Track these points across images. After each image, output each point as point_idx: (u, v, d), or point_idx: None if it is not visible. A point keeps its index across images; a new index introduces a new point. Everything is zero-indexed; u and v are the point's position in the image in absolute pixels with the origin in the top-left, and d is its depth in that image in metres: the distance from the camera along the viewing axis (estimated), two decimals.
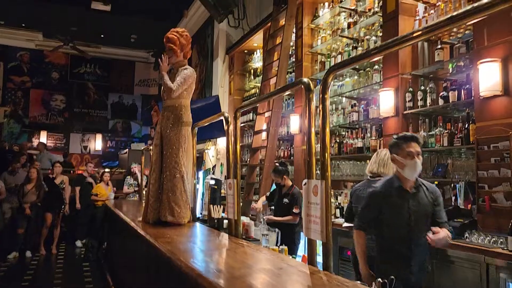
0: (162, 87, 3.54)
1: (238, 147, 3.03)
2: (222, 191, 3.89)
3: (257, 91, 7.65)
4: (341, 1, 5.14)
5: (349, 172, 4.67)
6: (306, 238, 2.06)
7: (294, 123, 5.66)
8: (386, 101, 3.93)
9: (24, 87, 12.61)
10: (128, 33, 11.92)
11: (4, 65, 12.41)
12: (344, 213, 3.47)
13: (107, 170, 8.84)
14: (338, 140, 4.93)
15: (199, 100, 8.40)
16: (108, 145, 13.37)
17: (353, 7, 4.96)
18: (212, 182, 3.77)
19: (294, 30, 5.81)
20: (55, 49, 11.14)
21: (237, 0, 7.33)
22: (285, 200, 4.32)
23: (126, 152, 10.72)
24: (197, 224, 3.64)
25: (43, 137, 12.51)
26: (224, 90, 8.51)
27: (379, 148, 4.21)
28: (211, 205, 3.63)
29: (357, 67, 4.92)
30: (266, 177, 5.16)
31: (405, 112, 3.87)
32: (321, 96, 1.95)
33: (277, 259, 2.12)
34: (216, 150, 8.19)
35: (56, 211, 7.65)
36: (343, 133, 5.26)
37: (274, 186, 4.87)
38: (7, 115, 12.30)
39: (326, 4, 5.52)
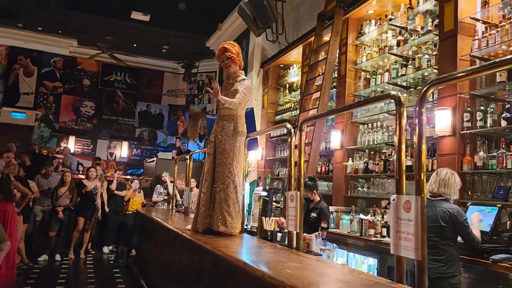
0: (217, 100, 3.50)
1: (302, 160, 3.01)
2: (273, 203, 3.86)
3: (292, 105, 7.66)
4: (390, 20, 5.14)
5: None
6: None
7: (335, 138, 5.62)
8: (442, 120, 3.88)
9: (56, 92, 12.87)
10: (161, 43, 12.12)
11: (38, 70, 12.71)
12: None
13: (136, 178, 8.88)
14: (383, 158, 4.87)
15: None
16: (133, 153, 13.49)
17: (403, 25, 4.95)
18: (264, 193, 3.74)
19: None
20: (92, 57, 11.37)
21: (277, 15, 7.40)
22: (313, 214, 4.32)
23: (153, 161, 10.78)
24: (248, 235, 3.60)
25: (71, 142, 12.69)
26: (257, 103, 8.54)
27: (431, 167, 4.14)
28: (263, 217, 3.59)
29: (405, 85, 4.90)
30: None
31: (462, 132, 3.80)
32: (417, 109, 1.91)
33: (362, 275, 2.08)
34: (246, 163, 8.17)
35: (88, 216, 7.70)
36: (385, 151, 5.21)
37: None
38: (38, 119, 12.54)
39: (373, 21, 5.53)
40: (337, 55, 5.82)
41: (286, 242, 3.45)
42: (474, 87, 3.91)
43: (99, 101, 13.30)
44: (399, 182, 2.04)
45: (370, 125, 5.30)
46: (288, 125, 3.23)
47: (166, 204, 8.16)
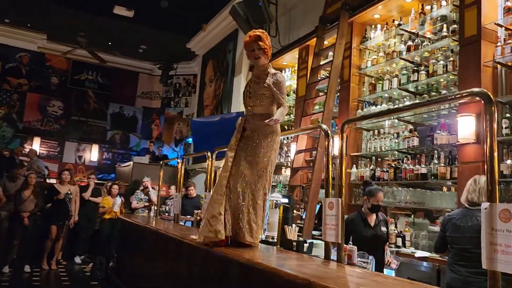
0: (246, 97, 3.16)
1: (344, 164, 2.78)
2: (294, 211, 3.58)
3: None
4: (399, 25, 5.04)
5: (409, 200, 4.44)
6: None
7: (338, 145, 5.42)
8: (465, 127, 3.76)
9: (21, 90, 11.99)
10: (138, 43, 11.60)
11: (2, 65, 11.80)
12: (435, 243, 3.20)
13: (115, 182, 8.31)
14: (394, 165, 4.71)
15: (221, 115, 8.10)
16: (104, 157, 12.77)
17: (413, 30, 4.86)
18: (285, 200, 3.45)
19: None
20: (65, 54, 10.66)
21: (273, 17, 7.19)
22: (383, 228, 3.74)
23: (128, 165, 10.20)
24: (265, 246, 3.29)
25: (36, 144, 11.83)
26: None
27: (450, 175, 4.02)
28: (285, 226, 3.30)
29: (414, 91, 4.80)
30: (312, 199, 4.86)
31: None
32: None
33: None
34: None
35: (60, 224, 7.06)
36: (389, 158, 5.08)
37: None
38: (0, 117, 11.61)
39: (379, 26, 5.42)
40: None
41: (313, 253, 3.20)
42: (496, 94, 3.83)
43: (68, 101, 12.52)
44: (492, 190, 1.84)
45: (376, 131, 5.15)
46: (324, 127, 2.99)
47: (147, 211, 7.66)
